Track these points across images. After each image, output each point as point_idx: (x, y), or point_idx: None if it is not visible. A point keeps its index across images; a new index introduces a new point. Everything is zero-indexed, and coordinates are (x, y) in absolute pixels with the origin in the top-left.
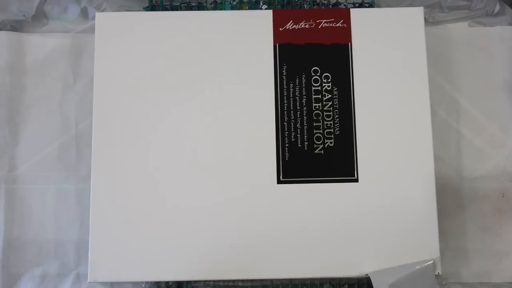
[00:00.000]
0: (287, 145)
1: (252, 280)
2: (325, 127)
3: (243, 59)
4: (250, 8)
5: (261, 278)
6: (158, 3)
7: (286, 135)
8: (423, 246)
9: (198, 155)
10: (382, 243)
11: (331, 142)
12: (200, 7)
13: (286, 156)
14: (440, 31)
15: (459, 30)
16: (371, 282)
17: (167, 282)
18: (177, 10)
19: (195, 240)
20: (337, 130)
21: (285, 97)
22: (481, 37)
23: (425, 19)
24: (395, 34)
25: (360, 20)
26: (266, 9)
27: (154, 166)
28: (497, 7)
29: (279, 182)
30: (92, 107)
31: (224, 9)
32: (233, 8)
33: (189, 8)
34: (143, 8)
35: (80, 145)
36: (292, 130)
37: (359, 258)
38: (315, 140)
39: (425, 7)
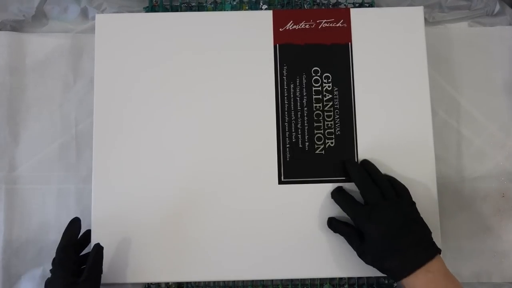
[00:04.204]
0: (288, 145)
1: (252, 280)
2: (325, 127)
3: (243, 59)
4: (250, 8)
5: (261, 278)
6: (158, 3)
7: (287, 136)
8: None
9: (199, 156)
10: None
11: (331, 143)
12: (200, 7)
13: (287, 157)
14: (440, 31)
15: (459, 30)
16: (371, 282)
17: (167, 283)
18: (177, 10)
19: (197, 241)
20: (337, 130)
21: (285, 97)
22: (481, 37)
23: (425, 19)
24: (395, 34)
25: (360, 20)
26: (266, 9)
27: (155, 166)
28: (497, 7)
29: (280, 182)
30: (92, 107)
31: (224, 9)
32: (233, 8)
33: (189, 8)
34: (143, 8)
35: (80, 145)
36: (293, 130)
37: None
38: (316, 141)
39: (425, 7)
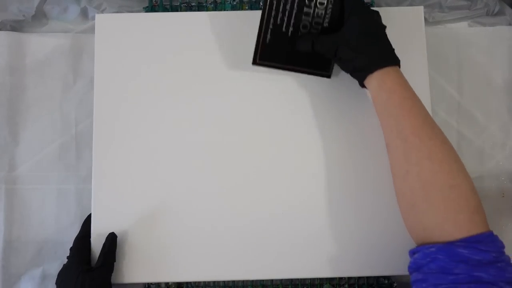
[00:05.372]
0: (270, 27)
1: (252, 280)
2: (315, 15)
3: (243, 59)
4: (250, 8)
5: (261, 278)
6: (158, 3)
7: (272, 15)
8: None
9: (200, 154)
10: (381, 240)
11: (316, 33)
12: (200, 7)
13: (267, 39)
14: (440, 31)
15: (459, 30)
16: (371, 282)
17: (167, 283)
18: (177, 10)
19: (197, 241)
20: (326, 22)
21: None
22: (481, 37)
23: (425, 19)
24: (395, 34)
25: None
26: None
27: (155, 165)
28: (497, 7)
29: (254, 62)
30: (92, 107)
31: (224, 9)
32: (233, 8)
33: (189, 8)
34: (143, 8)
35: (80, 145)
36: (280, 11)
37: (359, 256)
38: (301, 28)
39: (425, 7)
